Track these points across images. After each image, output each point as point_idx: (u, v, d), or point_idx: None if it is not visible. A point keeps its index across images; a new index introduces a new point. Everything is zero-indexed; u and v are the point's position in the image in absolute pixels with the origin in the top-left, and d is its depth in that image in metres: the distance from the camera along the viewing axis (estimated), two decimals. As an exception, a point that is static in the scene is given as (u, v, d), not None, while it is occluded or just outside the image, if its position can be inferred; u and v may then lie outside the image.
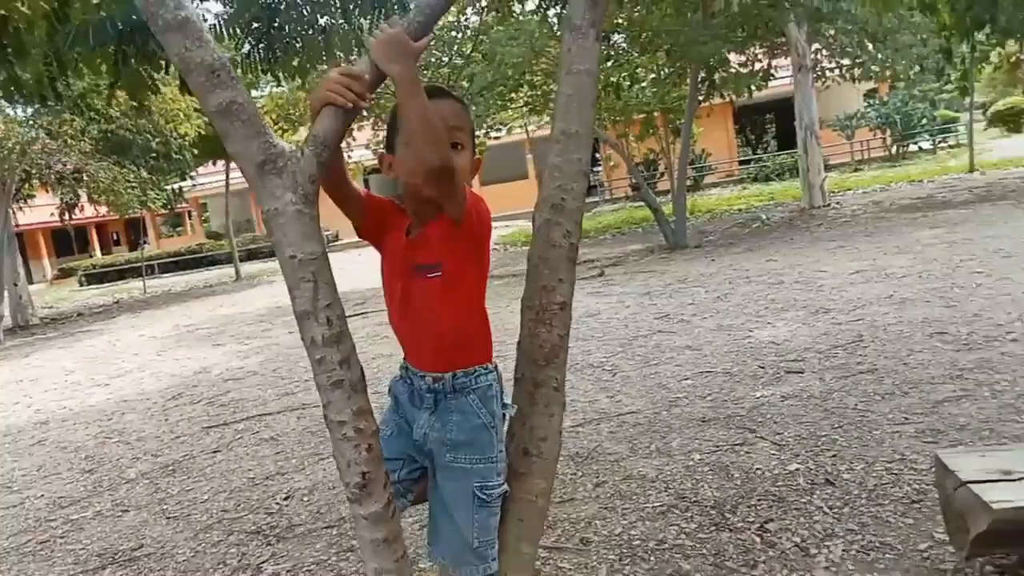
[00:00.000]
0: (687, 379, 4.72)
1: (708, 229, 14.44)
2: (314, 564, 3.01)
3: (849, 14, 12.61)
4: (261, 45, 4.79)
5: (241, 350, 8.64)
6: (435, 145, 1.55)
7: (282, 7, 4.72)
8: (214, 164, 21.62)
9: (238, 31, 4.72)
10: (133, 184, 16.87)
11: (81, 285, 28.37)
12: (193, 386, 6.94)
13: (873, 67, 16.36)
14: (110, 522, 3.84)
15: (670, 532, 2.80)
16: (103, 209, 19.34)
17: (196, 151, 18.07)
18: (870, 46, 15.01)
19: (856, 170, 22.57)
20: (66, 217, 18.06)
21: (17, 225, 19.54)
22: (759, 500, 2.95)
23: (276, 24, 4.73)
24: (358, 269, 10.43)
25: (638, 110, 15.79)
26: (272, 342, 8.87)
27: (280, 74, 5.16)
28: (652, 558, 2.64)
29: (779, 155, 25.62)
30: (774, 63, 14.99)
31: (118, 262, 29.84)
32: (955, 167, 17.88)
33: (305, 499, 3.72)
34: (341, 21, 4.94)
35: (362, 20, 4.93)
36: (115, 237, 41.47)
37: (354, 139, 17.20)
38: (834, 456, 3.26)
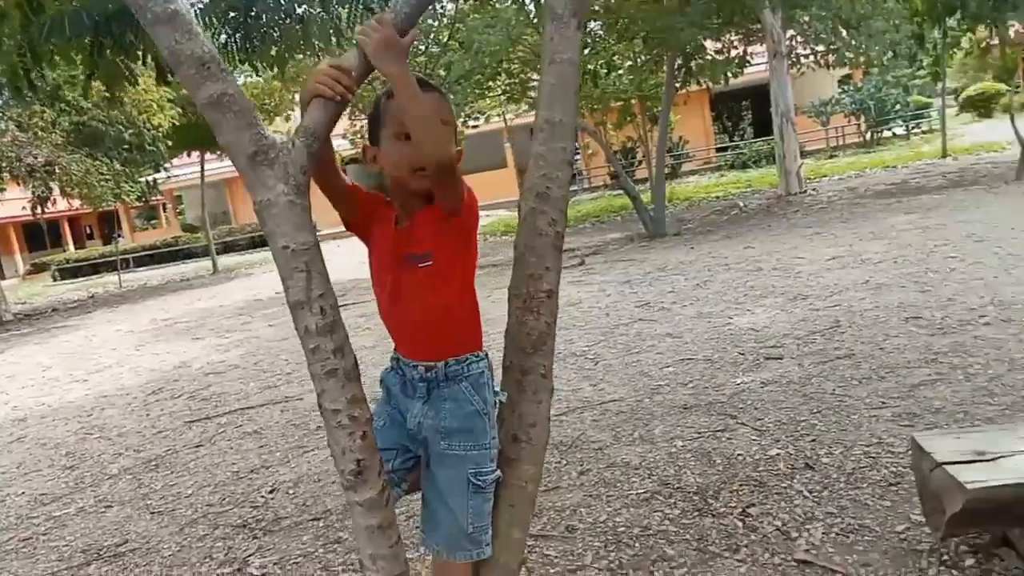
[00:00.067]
0: (668, 367, 4.77)
1: (687, 217, 14.52)
2: (301, 556, 3.02)
3: (823, 0, 12.71)
4: (238, 35, 4.75)
5: (221, 344, 8.59)
6: (439, 142, 1.59)
7: (258, -4, 4.68)
8: (188, 155, 21.41)
9: (215, 21, 4.68)
10: (107, 176, 16.65)
11: (55, 280, 28.05)
12: (174, 380, 6.90)
13: (847, 53, 16.49)
14: (93, 518, 3.82)
15: (654, 518, 2.84)
16: (76, 202, 19.09)
17: (170, 142, 17.88)
18: (844, 32, 15.12)
19: (831, 156, 22.77)
20: (38, 211, 17.81)
21: (-12, 219, 19.26)
22: (741, 485, 3.00)
23: (253, 14, 4.69)
24: (339, 260, 10.35)
25: (615, 98, 15.85)
26: (252, 335, 8.83)
27: (258, 64, 5.13)
28: (637, 544, 2.67)
29: (755, 142, 25.79)
30: (749, 50, 15.07)
31: (92, 256, 29.52)
32: (928, 153, 18.09)
33: (290, 492, 3.72)
34: (319, 10, 4.91)
35: (340, 9, 4.91)
36: (88, 231, 40.95)
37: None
38: (813, 441, 3.31)
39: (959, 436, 2.42)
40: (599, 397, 4.38)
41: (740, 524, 2.70)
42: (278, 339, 8.20)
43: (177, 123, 17.00)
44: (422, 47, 14.92)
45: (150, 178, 19.68)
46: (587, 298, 7.57)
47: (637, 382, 4.56)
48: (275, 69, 5.39)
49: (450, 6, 14.65)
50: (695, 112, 26.10)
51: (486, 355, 1.84)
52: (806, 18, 14.61)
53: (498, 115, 19.69)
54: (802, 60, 17.12)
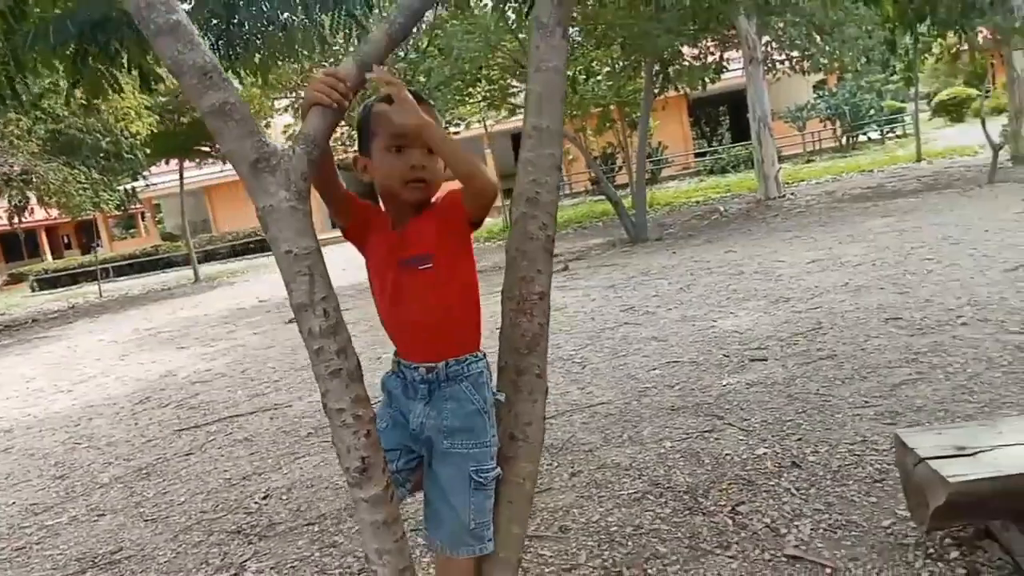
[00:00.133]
0: (655, 369, 4.84)
1: (668, 222, 14.65)
2: (297, 560, 3.05)
3: (796, 7, 12.92)
4: (221, 42, 4.77)
5: (207, 352, 8.56)
6: (485, 178, 1.68)
7: (241, 3, 4.70)
8: (167, 163, 21.30)
9: (198, 28, 4.68)
10: (85, 185, 16.54)
11: (33, 290, 27.74)
12: (160, 389, 6.88)
13: (821, 59, 16.75)
14: (86, 527, 3.82)
15: (646, 518, 2.89)
16: (54, 212, 18.95)
17: (148, 150, 17.79)
18: (818, 38, 15.37)
19: (809, 161, 23.06)
20: (15, 220, 17.64)
21: (-37, 230, 19.06)
22: (730, 484, 3.06)
23: (236, 21, 4.71)
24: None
25: (595, 104, 15.96)
26: (238, 343, 8.81)
27: (241, 71, 5.14)
28: (629, 543, 2.73)
29: (733, 147, 26.07)
30: (726, 56, 15.28)
31: (71, 266, 29.26)
32: (903, 156, 18.37)
33: (284, 498, 3.74)
34: (302, 18, 4.94)
35: (323, 17, 4.94)
36: (66, 240, 40.57)
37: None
38: (799, 440, 3.38)
39: (941, 432, 2.49)
40: (587, 400, 4.44)
41: (730, 522, 2.75)
42: (264, 347, 8.19)
43: (155, 130, 16.92)
44: (401, 53, 14.95)
45: (128, 186, 19.57)
46: (572, 303, 7.63)
47: (624, 385, 4.62)
48: (258, 77, 5.42)
49: (429, 13, 14.70)
50: (673, 118, 26.32)
51: (484, 355, 1.89)
52: (781, 24, 14.84)
53: (478, 121, 19.75)
54: (778, 66, 17.36)
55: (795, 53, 16.79)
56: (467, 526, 1.80)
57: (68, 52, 3.88)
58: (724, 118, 31.66)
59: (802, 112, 24.60)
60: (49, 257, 36.88)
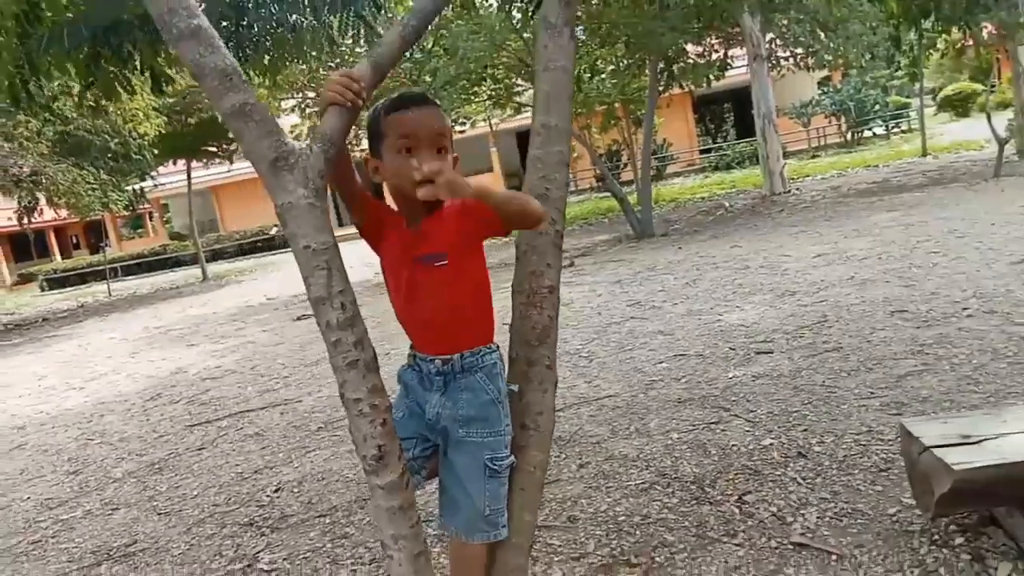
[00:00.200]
0: (661, 363, 4.87)
1: (673, 218, 14.67)
2: (310, 551, 3.09)
3: (800, 4, 12.90)
4: (230, 44, 4.82)
5: (216, 349, 8.62)
6: (536, 211, 1.78)
7: (251, 5, 4.75)
8: (174, 164, 21.38)
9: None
10: (94, 185, 16.63)
11: (43, 290, 27.91)
12: (171, 386, 6.94)
13: (826, 56, 16.69)
14: (101, 520, 3.87)
15: (653, 507, 2.93)
16: (61, 212, 19.05)
17: (156, 151, 17.87)
18: (822, 35, 15.32)
19: (814, 156, 23.03)
20: (25, 221, 17.74)
21: (-27, 231, 19.18)
22: (736, 474, 3.09)
23: (245, 23, 4.75)
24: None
25: (599, 101, 15.97)
26: (247, 340, 8.87)
27: (250, 72, 5.19)
28: (637, 532, 2.76)
29: (738, 143, 26.05)
30: (730, 53, 15.26)
31: (80, 265, 29.42)
32: (908, 151, 18.35)
33: (295, 490, 3.79)
34: (311, 19, 4.98)
35: (331, 18, 4.98)
36: (75, 240, 40.76)
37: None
38: (805, 430, 3.41)
39: (946, 421, 2.52)
40: (595, 393, 4.48)
41: (737, 511, 2.78)
42: (273, 344, 8.25)
43: (163, 131, 16.99)
44: (407, 53, 14.97)
45: (137, 187, 19.66)
46: (579, 298, 7.66)
47: (631, 378, 4.66)
48: (267, 78, 5.47)
49: (435, 13, 14.69)
50: (678, 115, 26.34)
51: (497, 347, 1.93)
52: (784, 21, 14.81)
53: (484, 120, 19.78)
54: (782, 62, 17.33)
55: (799, 50, 16.73)
56: (482, 513, 1.84)
57: (81, 55, 3.94)
58: (729, 115, 31.63)
59: (807, 108, 24.60)
60: (58, 257, 37.07)
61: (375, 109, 1.85)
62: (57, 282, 28.24)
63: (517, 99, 15.34)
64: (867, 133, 25.41)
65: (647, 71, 13.37)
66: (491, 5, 13.05)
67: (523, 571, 1.98)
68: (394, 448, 1.72)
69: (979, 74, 26.64)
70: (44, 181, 15.77)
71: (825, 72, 21.85)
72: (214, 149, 20.63)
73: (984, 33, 15.58)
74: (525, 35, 12.11)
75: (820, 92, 25.09)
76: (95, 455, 5.08)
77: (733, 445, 3.39)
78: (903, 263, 6.53)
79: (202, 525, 3.57)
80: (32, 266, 34.13)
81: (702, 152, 28.36)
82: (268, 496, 3.79)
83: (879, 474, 2.88)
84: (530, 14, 10.57)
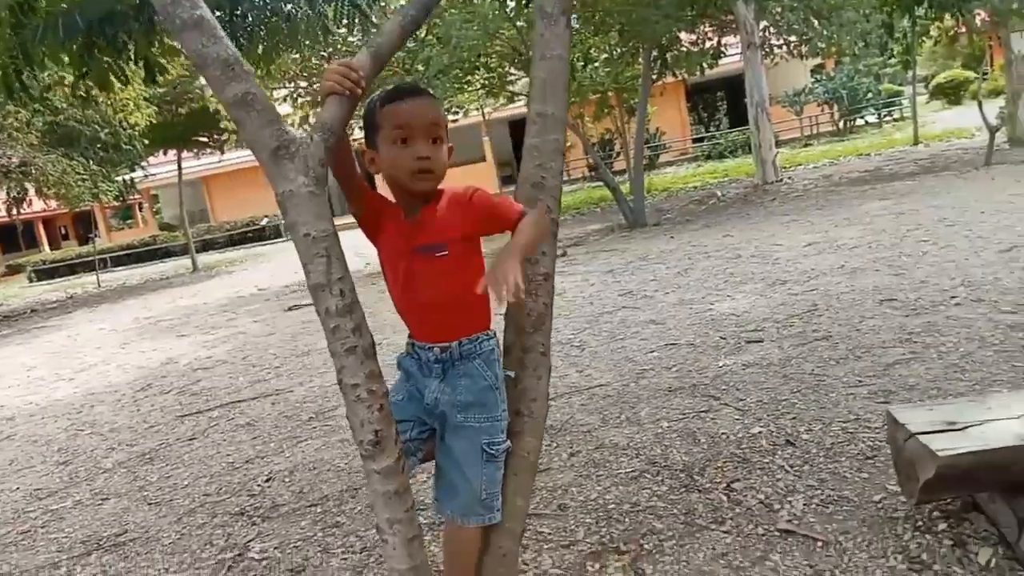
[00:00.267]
0: (653, 352, 4.89)
1: (665, 207, 14.68)
2: (301, 540, 3.10)
3: (794, -9, 12.90)
4: (225, 33, 4.79)
5: (207, 340, 8.61)
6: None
7: (246, -6, 4.72)
8: (164, 154, 21.28)
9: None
10: (84, 176, 16.54)
11: (31, 281, 27.80)
12: (162, 376, 6.93)
13: (819, 43, 16.68)
14: (91, 510, 3.87)
15: (643, 495, 2.94)
16: (52, 203, 18.96)
17: (147, 141, 17.78)
18: (815, 23, 15.31)
19: (806, 145, 23.06)
20: (14, 212, 17.65)
21: (-39, 222, 19.09)
22: (725, 462, 3.11)
23: (239, 12, 4.73)
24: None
25: (593, 90, 15.93)
26: (238, 331, 8.86)
27: (244, 62, 5.16)
28: (627, 519, 2.78)
29: (731, 132, 26.06)
30: (723, 41, 15.25)
31: (69, 256, 29.31)
32: (900, 140, 18.38)
33: (286, 480, 3.80)
34: (306, 8, 4.96)
35: (326, 7, 4.96)
36: (63, 231, 40.58)
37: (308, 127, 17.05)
38: (794, 418, 3.43)
39: (932, 408, 2.54)
40: (586, 382, 4.49)
41: (725, 498, 2.80)
42: (264, 335, 8.24)
43: (153, 121, 16.90)
44: (399, 42, 14.90)
45: (127, 177, 19.57)
46: (571, 287, 7.67)
47: (623, 367, 4.67)
48: (260, 67, 5.44)
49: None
50: (671, 103, 26.29)
51: (495, 333, 1.96)
52: (778, 9, 14.79)
53: (476, 109, 19.73)
54: (775, 50, 17.31)
55: (793, 37, 16.73)
56: (479, 496, 1.88)
57: (75, 45, 3.92)
58: (722, 103, 31.61)
59: (800, 96, 24.59)
60: (47, 248, 36.91)
61: (371, 101, 1.86)
62: (46, 273, 28.14)
63: (510, 88, 15.30)
64: (860, 121, 25.44)
65: (640, 59, 13.35)
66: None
67: (515, 555, 2.01)
68: (390, 433, 1.74)
69: (971, 61, 26.69)
70: (34, 171, 15.69)
71: (818, 60, 21.87)
72: (205, 139, 20.55)
73: (977, 20, 15.60)
74: (518, 23, 12.07)
75: (813, 80, 25.08)
76: (85, 445, 5.07)
77: (722, 433, 3.41)
78: (893, 252, 6.56)
79: (193, 515, 3.58)
80: (20, 257, 34.02)
81: (695, 141, 28.35)
82: (259, 486, 3.79)
83: (865, 462, 2.90)
84: (524, 2, 10.56)
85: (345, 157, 1.81)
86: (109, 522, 3.67)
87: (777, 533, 2.50)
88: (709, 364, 4.43)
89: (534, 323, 2.04)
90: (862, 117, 25.44)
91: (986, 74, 24.12)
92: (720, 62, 14.41)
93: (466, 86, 15.05)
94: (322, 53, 13.78)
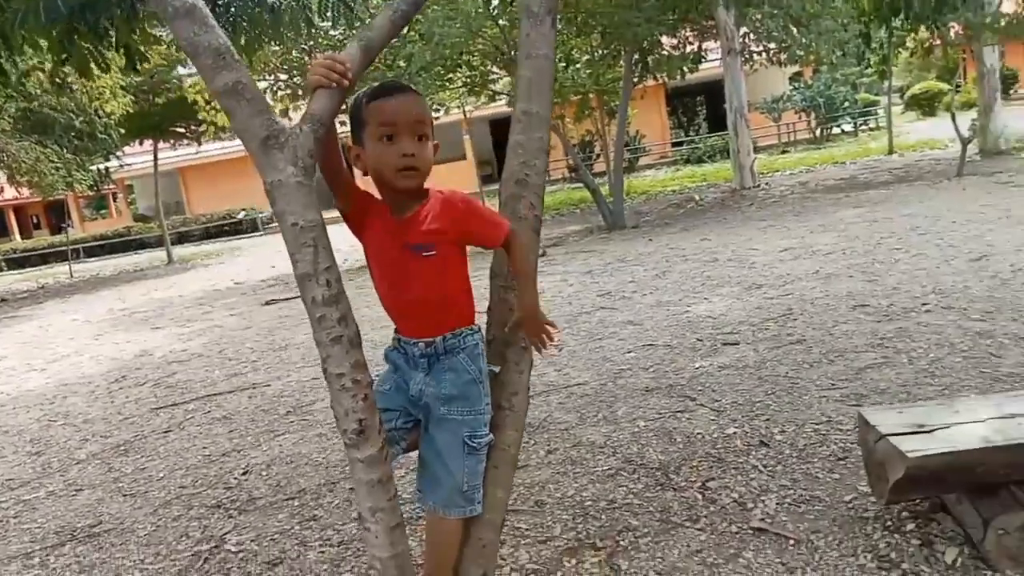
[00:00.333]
0: (630, 352, 4.94)
1: (644, 210, 14.77)
2: (277, 533, 3.11)
3: (774, -1, 13.02)
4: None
5: (183, 333, 8.55)
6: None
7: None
8: (140, 144, 21.02)
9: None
10: (58, 164, 16.31)
11: (1, 270, 27.34)
12: (136, 368, 6.87)
13: (798, 51, 16.87)
14: (64, 501, 3.84)
15: (619, 493, 2.98)
16: (23, 191, 18.68)
17: (122, 130, 17.56)
18: (794, 30, 15.48)
19: (783, 152, 23.28)
20: (-15, 199, 17.38)
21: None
22: (700, 461, 3.16)
23: (222, 2, 4.70)
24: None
25: (574, 91, 15.99)
26: (214, 324, 8.80)
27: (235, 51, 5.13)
28: (603, 516, 2.81)
29: (710, 137, 26.22)
30: (704, 46, 15.35)
31: (41, 246, 28.89)
32: (875, 149, 18.63)
33: (263, 473, 3.79)
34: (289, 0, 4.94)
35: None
36: (35, 220, 39.97)
37: (290, 119, 16.92)
38: (768, 420, 3.49)
39: (901, 411, 2.60)
40: (564, 381, 4.53)
41: (700, 497, 2.85)
42: (241, 328, 8.20)
43: (130, 111, 16.70)
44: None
45: (102, 166, 19.32)
46: (550, 288, 7.71)
47: (600, 367, 4.71)
48: (243, 58, 5.40)
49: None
50: (651, 107, 26.39)
51: (479, 328, 1.98)
52: (758, 16, 14.93)
53: (457, 107, 19.70)
54: (755, 57, 17.47)
55: (772, 45, 16.89)
56: (460, 488, 1.90)
57: (56, 31, 3.87)
58: (701, 108, 31.82)
59: (778, 103, 24.82)
60: (17, 237, 36.34)
61: (357, 97, 1.88)
62: (16, 262, 27.73)
63: (492, 87, 15.31)
64: (836, 130, 25.72)
65: (622, 62, 13.41)
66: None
67: (494, 546, 2.03)
68: (374, 423, 1.76)
69: (946, 73, 27.07)
70: (6, 159, 15.44)
71: (797, 68, 22.10)
72: (182, 130, 20.33)
73: (951, 33, 15.83)
74: (501, 22, 12.08)
75: (791, 88, 25.36)
76: (58, 436, 5.03)
77: (698, 433, 3.46)
78: (867, 258, 6.67)
79: (168, 507, 3.57)
80: (-9, 245, 33.44)
81: (674, 145, 28.50)
82: (236, 479, 3.79)
83: (837, 463, 2.96)
84: (508, 1, 10.57)
85: (333, 151, 1.82)
86: (83, 513, 3.65)
87: (750, 531, 2.55)
88: (686, 365, 4.48)
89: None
90: (838, 126, 25.72)
91: (959, 86, 24.50)
92: (700, 67, 14.50)
93: (448, 84, 15.03)
94: (303, 47, 13.68)
